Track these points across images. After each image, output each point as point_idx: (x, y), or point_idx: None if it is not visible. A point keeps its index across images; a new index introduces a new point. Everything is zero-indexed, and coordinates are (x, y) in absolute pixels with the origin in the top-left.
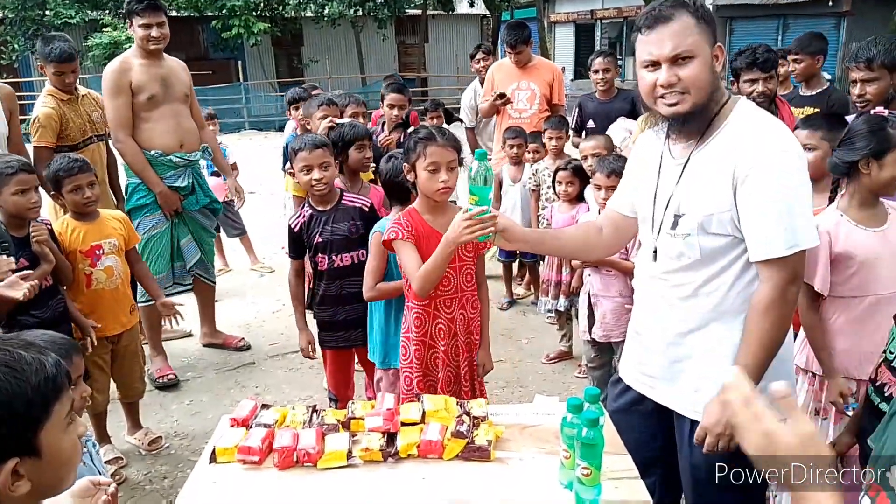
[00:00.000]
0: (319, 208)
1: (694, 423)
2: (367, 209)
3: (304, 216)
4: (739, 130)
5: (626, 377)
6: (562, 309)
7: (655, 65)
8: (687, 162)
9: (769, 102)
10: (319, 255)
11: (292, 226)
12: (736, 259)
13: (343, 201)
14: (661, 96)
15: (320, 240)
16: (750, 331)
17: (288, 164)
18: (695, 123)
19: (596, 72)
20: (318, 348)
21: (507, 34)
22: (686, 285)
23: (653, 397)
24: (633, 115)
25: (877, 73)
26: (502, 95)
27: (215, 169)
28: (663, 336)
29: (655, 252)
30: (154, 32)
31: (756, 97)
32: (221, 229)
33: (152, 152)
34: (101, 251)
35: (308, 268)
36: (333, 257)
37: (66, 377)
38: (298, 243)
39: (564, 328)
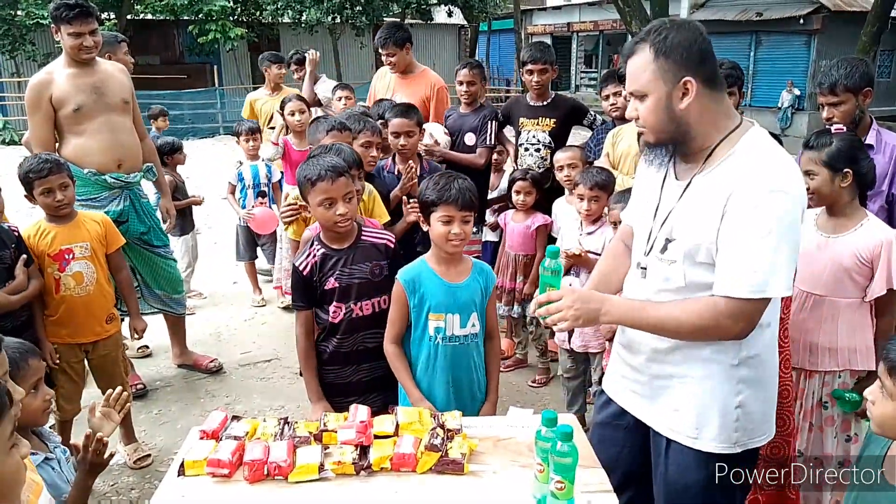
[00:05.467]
0: (335, 246)
1: (670, 443)
2: (391, 245)
3: (314, 256)
4: (741, 162)
5: (608, 390)
6: (515, 315)
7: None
8: (688, 185)
9: None
10: (334, 304)
11: (300, 268)
12: None
13: (363, 237)
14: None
15: (336, 284)
16: (669, 308)
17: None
18: (685, 149)
19: (461, 83)
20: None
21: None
22: None
23: (633, 412)
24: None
25: (841, 97)
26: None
27: (262, 189)
28: (647, 352)
29: (644, 269)
30: (87, 41)
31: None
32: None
33: (85, 171)
34: (72, 255)
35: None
36: (352, 306)
37: (6, 398)
38: (309, 289)
39: (520, 335)
